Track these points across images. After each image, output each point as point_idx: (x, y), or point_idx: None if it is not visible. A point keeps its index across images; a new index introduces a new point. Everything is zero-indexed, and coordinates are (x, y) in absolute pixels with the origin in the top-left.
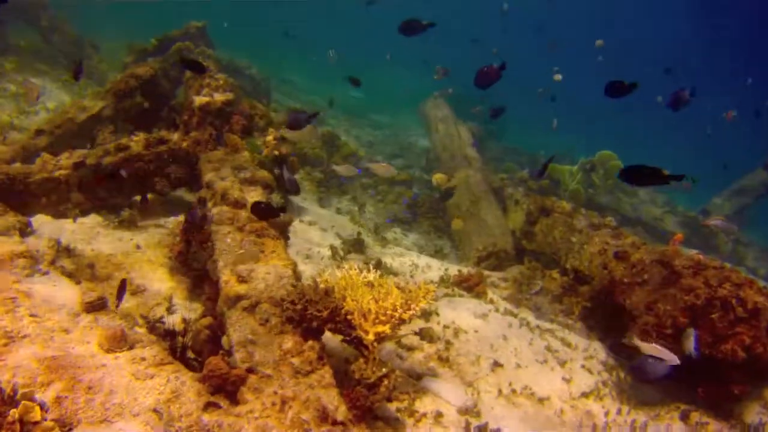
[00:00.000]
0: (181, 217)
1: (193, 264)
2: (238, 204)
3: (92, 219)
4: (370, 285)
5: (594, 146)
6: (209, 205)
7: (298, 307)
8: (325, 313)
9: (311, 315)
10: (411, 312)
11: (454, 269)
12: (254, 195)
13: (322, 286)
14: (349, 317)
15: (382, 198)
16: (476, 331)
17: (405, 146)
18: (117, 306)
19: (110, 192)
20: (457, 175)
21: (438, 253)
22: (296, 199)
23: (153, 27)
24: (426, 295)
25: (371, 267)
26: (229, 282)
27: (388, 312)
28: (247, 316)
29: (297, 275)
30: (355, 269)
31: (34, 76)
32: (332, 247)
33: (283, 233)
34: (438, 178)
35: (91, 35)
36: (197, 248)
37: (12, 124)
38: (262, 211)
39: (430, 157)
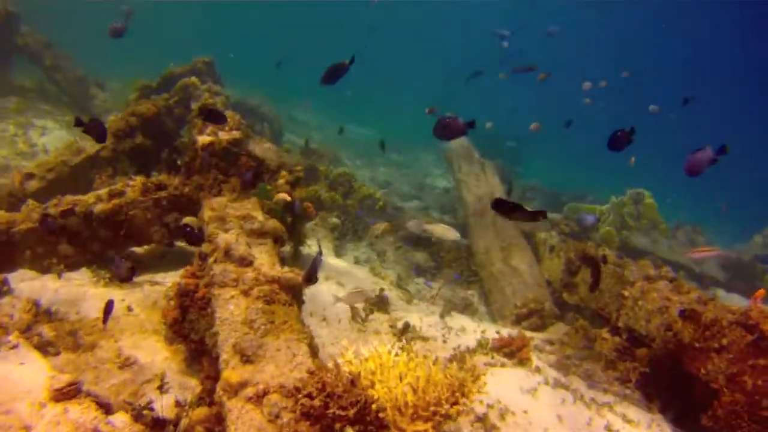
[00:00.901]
0: (181, 273)
1: (191, 335)
2: (244, 261)
3: (81, 274)
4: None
5: (620, 182)
6: (210, 261)
7: (317, 403)
8: (351, 412)
9: (334, 415)
10: (459, 407)
11: (491, 330)
12: (263, 250)
13: (345, 370)
14: (381, 414)
15: (401, 243)
16: (525, 412)
17: (422, 186)
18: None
19: (104, 243)
20: (485, 220)
21: (468, 308)
22: (312, 247)
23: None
24: (476, 381)
25: (399, 332)
26: (230, 362)
27: (431, 407)
28: (252, 410)
29: (314, 349)
30: (385, 346)
31: (38, 116)
32: (353, 307)
33: (297, 297)
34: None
35: (101, 73)
36: (196, 315)
37: (8, 165)
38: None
39: (453, 199)
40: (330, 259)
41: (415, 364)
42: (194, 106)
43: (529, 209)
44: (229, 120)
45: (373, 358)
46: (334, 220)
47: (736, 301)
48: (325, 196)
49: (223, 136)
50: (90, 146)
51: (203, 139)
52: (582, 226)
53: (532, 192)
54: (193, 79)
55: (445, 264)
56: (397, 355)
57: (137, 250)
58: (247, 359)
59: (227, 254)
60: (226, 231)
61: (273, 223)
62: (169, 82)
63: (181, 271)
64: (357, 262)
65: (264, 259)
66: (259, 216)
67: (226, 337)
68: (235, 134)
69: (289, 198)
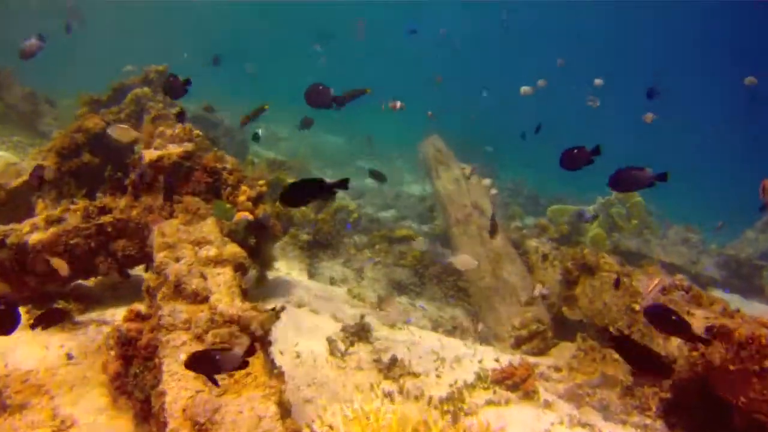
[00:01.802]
0: (123, 315)
1: (135, 392)
2: (198, 297)
3: None
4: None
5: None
6: (159, 298)
7: None
8: None
9: None
10: None
11: (489, 357)
12: (220, 281)
13: None
14: None
15: (380, 259)
16: None
17: (397, 195)
18: None
19: (42, 278)
20: (470, 229)
21: (457, 329)
22: (281, 269)
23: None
24: None
25: (385, 368)
26: None
27: None
28: None
29: (285, 407)
30: (372, 402)
31: None
32: (329, 341)
33: (263, 341)
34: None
35: (51, 88)
36: (140, 367)
37: None
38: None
39: (431, 207)
40: (303, 281)
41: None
42: (147, 118)
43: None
44: (179, 131)
45: (359, 420)
46: (305, 236)
47: (739, 303)
48: (295, 212)
49: (173, 149)
50: (30, 167)
51: (150, 153)
52: (582, 221)
53: (513, 194)
54: (146, 89)
55: (427, 279)
56: (387, 414)
57: (85, 282)
58: (200, 428)
59: (178, 289)
60: (178, 260)
61: (232, 249)
62: (119, 94)
63: (124, 312)
64: (333, 282)
65: (222, 293)
66: (217, 240)
67: (175, 397)
68: (188, 146)
69: (251, 216)
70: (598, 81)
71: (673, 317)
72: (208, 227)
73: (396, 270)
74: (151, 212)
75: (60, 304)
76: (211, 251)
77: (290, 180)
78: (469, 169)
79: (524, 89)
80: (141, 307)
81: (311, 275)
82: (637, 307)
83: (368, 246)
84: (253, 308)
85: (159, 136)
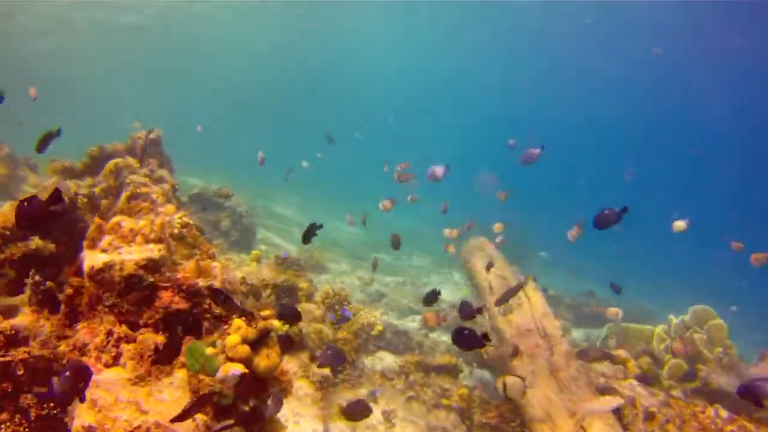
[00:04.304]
0: None
1: None
2: None
3: None
4: None
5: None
6: None
7: None
8: None
9: None
10: None
11: None
12: None
13: None
14: None
15: (415, 394)
16: None
17: (421, 299)
18: None
19: None
20: (537, 364)
21: None
22: (287, 412)
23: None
24: None
25: None
26: None
27: None
28: None
29: None
30: None
31: None
32: None
33: None
34: None
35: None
36: None
37: None
38: None
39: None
40: (315, 426)
41: None
42: (123, 197)
43: None
44: (144, 224)
45: None
46: (322, 369)
47: None
48: (308, 329)
49: (130, 255)
50: None
51: (94, 259)
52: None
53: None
54: (129, 159)
55: (477, 426)
56: None
57: None
58: None
59: None
60: None
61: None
62: (99, 164)
63: None
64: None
65: None
66: (183, 418)
67: None
68: (153, 251)
69: (245, 370)
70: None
71: None
72: (172, 390)
73: (437, 414)
74: (84, 354)
75: None
76: None
77: (303, 284)
78: (530, 281)
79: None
80: None
81: (326, 417)
82: None
83: (399, 375)
84: None
85: (113, 231)
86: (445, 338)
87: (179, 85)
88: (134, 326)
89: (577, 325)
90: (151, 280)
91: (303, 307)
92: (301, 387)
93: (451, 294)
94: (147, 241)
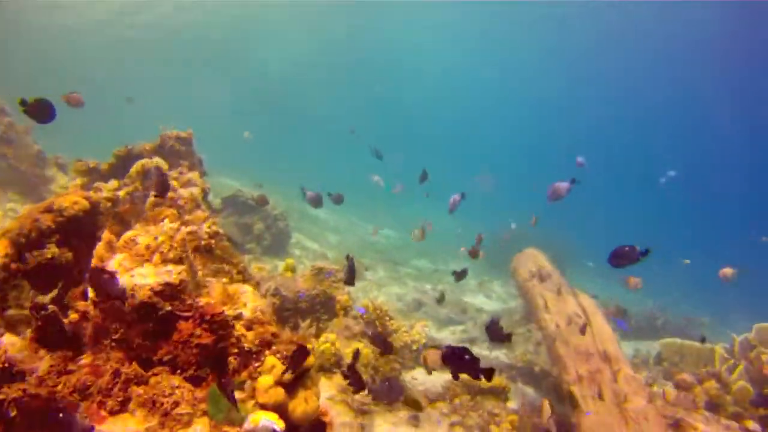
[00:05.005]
0: None
1: None
2: None
3: None
4: None
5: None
6: None
7: None
8: None
9: None
10: None
11: None
12: None
13: None
14: None
15: (460, 419)
16: None
17: (463, 308)
18: None
19: None
20: (605, 389)
21: None
22: None
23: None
24: None
25: None
26: None
27: None
28: None
29: None
30: None
31: None
32: None
33: None
34: None
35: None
36: None
37: None
38: None
39: (511, 326)
40: None
41: None
42: (148, 202)
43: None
44: (163, 240)
45: None
46: (362, 396)
47: None
48: (347, 351)
49: (144, 278)
50: None
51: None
52: None
53: None
54: (157, 159)
55: None
56: None
57: None
58: None
59: None
60: None
61: None
62: (126, 164)
63: None
64: None
65: None
66: None
67: None
68: (171, 275)
69: (280, 423)
70: None
71: None
72: None
73: None
74: (86, 399)
75: None
76: None
77: (341, 296)
78: (586, 297)
79: None
80: None
81: None
82: None
83: (441, 397)
84: None
85: (125, 248)
86: (486, 352)
87: (217, 84)
88: (147, 364)
89: (623, 337)
90: (169, 308)
91: (340, 323)
92: (338, 412)
93: (490, 302)
94: (165, 260)
